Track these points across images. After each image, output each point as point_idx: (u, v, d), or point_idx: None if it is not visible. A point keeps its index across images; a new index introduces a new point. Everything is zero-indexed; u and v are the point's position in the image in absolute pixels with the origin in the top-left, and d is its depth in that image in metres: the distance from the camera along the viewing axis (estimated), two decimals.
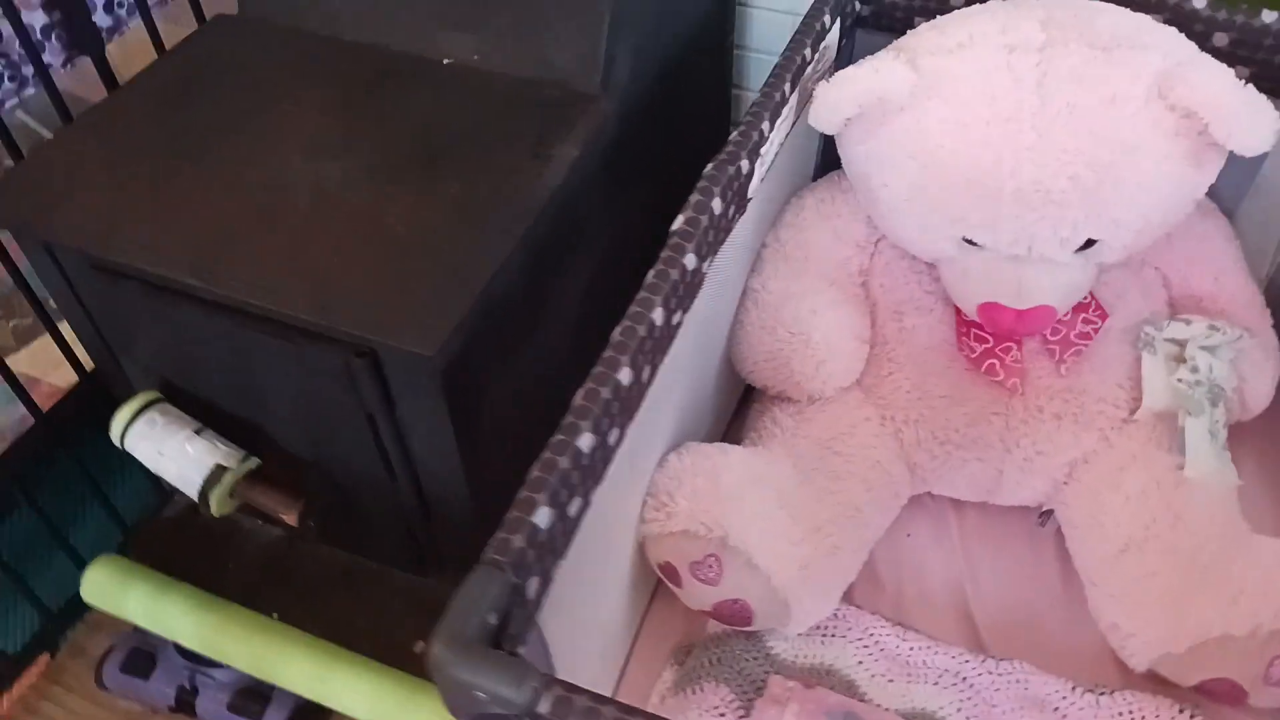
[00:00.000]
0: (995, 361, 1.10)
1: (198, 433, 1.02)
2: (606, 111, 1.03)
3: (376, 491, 1.04)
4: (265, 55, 1.13)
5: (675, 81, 1.22)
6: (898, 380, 1.12)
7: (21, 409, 1.37)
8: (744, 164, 0.93)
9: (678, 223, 0.86)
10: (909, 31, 1.10)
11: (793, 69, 1.04)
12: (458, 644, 0.57)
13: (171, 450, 1.00)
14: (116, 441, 1.02)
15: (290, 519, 0.99)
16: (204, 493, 0.99)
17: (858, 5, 1.23)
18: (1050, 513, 1.12)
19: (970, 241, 1.05)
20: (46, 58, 1.13)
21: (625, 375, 0.73)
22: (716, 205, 0.88)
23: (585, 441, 0.68)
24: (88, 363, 1.18)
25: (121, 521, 1.34)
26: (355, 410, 0.95)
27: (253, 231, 0.92)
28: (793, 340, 1.10)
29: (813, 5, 1.14)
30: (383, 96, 1.06)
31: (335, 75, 1.09)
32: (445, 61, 1.10)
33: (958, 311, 1.13)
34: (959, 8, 1.11)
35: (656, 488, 0.93)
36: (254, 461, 1.02)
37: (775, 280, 1.15)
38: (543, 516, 0.65)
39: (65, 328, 1.14)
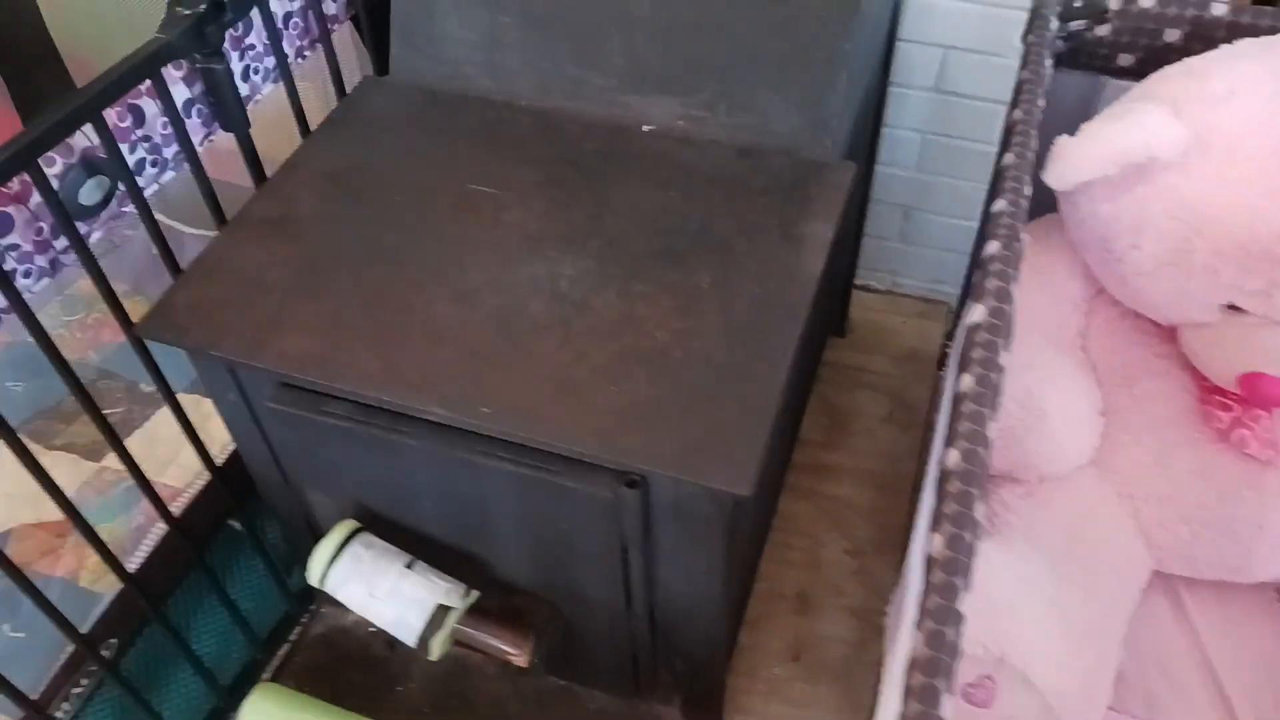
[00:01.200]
0: (1246, 432, 1.03)
1: (409, 567, 0.90)
2: (842, 183, 0.93)
3: (606, 620, 0.94)
4: (436, 126, 1.01)
5: (860, 132, 1.12)
6: (1136, 455, 1.04)
7: (138, 515, 1.24)
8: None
9: (980, 314, 0.77)
10: (1152, 77, 1.01)
11: (1035, 123, 0.95)
12: None
13: (385, 591, 0.88)
14: (315, 582, 0.90)
15: (520, 660, 0.88)
16: (425, 638, 0.87)
17: (1059, 44, 1.14)
18: None
19: (1234, 307, 0.97)
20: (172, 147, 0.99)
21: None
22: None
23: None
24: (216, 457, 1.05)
25: (251, 632, 1.22)
26: (609, 540, 0.84)
27: (494, 350, 0.80)
28: (1025, 416, 1.01)
29: (1030, 48, 1.05)
30: (590, 174, 0.95)
31: (528, 150, 0.98)
32: (645, 129, 0.99)
33: (1199, 377, 1.05)
34: (1178, 45, 1.03)
35: None
36: (474, 596, 0.91)
37: None
38: None
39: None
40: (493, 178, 0.95)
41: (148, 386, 1.30)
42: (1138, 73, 1.15)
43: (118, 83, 0.86)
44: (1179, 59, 1.09)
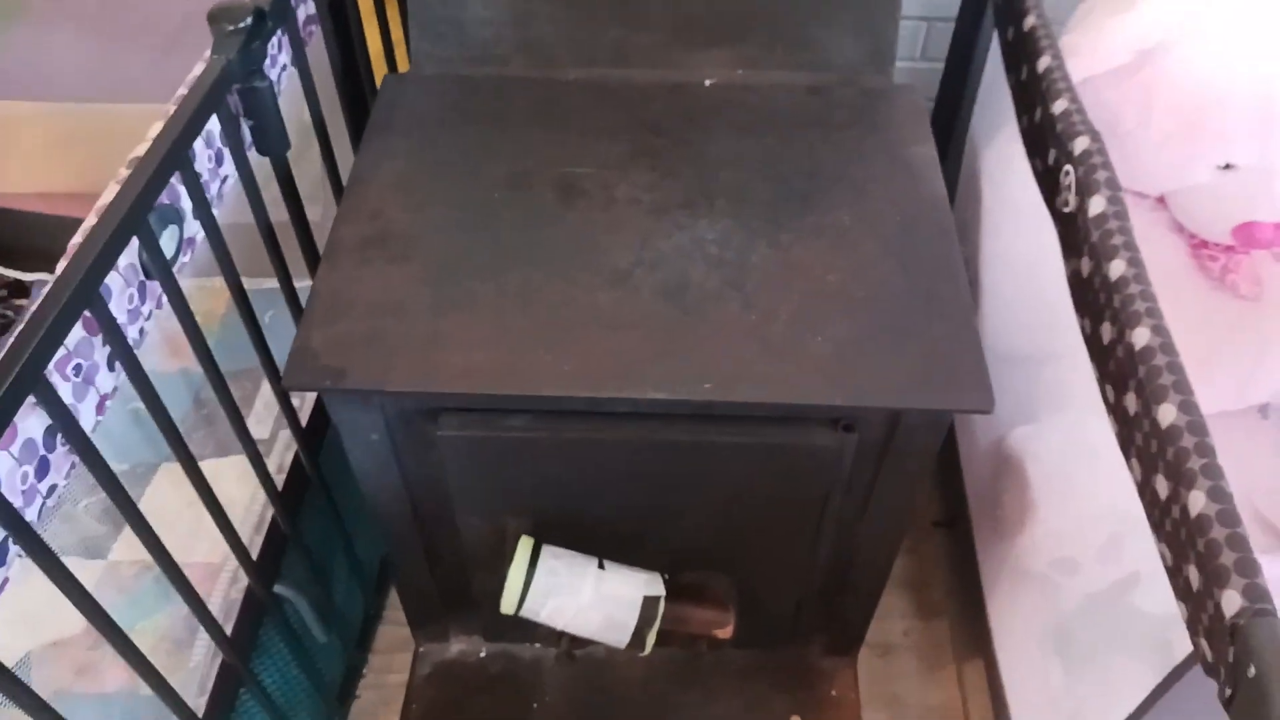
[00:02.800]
0: (1234, 276, 1.17)
1: (601, 567, 0.87)
2: (917, 104, 0.97)
3: (780, 575, 0.95)
4: (488, 113, 0.95)
5: None
6: None
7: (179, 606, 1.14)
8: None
9: (1100, 204, 0.84)
10: None
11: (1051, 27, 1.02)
12: None
13: (590, 598, 0.85)
14: (511, 610, 0.85)
15: (726, 632, 0.88)
16: (639, 633, 0.85)
17: None
18: (1268, 406, 1.21)
19: (1228, 166, 1.09)
20: (224, 170, 0.88)
21: None
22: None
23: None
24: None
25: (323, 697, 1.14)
26: (814, 491, 0.85)
27: (679, 325, 0.79)
28: None
29: None
30: (675, 136, 0.94)
31: (597, 122, 0.95)
32: (707, 83, 0.99)
33: (1185, 236, 1.18)
34: None
35: None
36: (660, 583, 0.89)
37: (1019, 241, 1.15)
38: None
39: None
40: (580, 157, 0.92)
41: (119, 465, 1.17)
42: None
43: (194, 118, 0.76)
44: None
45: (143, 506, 1.16)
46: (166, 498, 1.20)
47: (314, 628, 1.19)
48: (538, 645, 1.10)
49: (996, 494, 1.13)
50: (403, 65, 1.19)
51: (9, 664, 1.07)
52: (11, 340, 0.65)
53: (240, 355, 0.95)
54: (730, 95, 0.97)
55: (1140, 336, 0.77)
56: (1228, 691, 0.61)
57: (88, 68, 1.53)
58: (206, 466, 1.00)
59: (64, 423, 0.67)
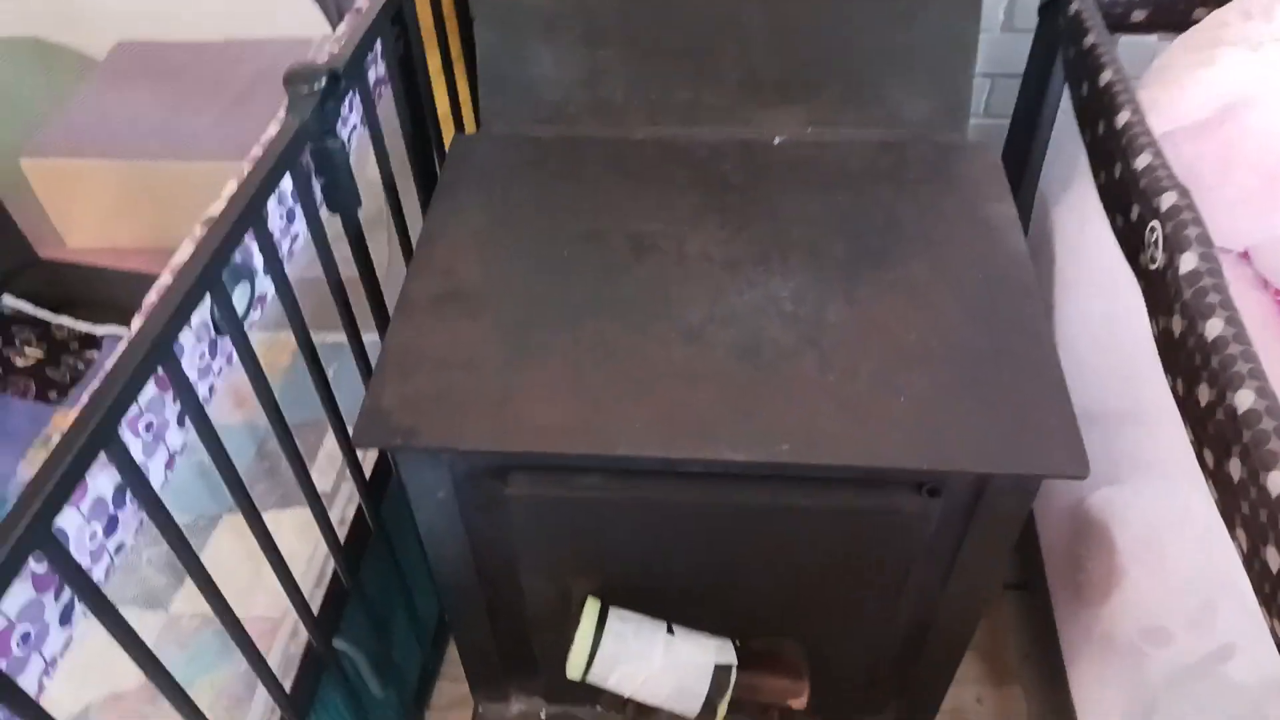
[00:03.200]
0: None
1: (670, 632, 0.84)
2: (993, 161, 0.95)
3: (858, 640, 0.91)
4: (557, 171, 0.95)
5: None
6: None
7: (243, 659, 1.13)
8: None
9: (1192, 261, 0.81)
10: (1206, 22, 1.09)
11: (1129, 80, 1.00)
12: None
13: (659, 665, 0.82)
14: (577, 676, 0.83)
15: (800, 702, 0.85)
16: (710, 702, 0.82)
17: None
18: None
19: None
20: (295, 227, 0.89)
21: None
22: None
23: None
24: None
25: None
26: (898, 556, 0.82)
27: (754, 382, 0.77)
28: None
29: (1081, 13, 1.10)
30: (745, 192, 0.92)
31: (668, 179, 0.94)
32: (776, 141, 0.98)
33: (1271, 290, 1.15)
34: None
35: None
36: (731, 650, 0.86)
37: (1096, 300, 1.12)
38: None
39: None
40: (651, 213, 0.91)
41: (183, 517, 1.17)
42: (1150, 27, 1.24)
43: (269, 177, 0.77)
44: (1190, 9, 1.17)
45: (204, 559, 1.16)
46: (227, 550, 1.20)
47: (371, 683, 1.17)
48: (599, 708, 1.06)
49: (1078, 558, 1.08)
50: (469, 126, 1.20)
51: (68, 716, 1.07)
52: (86, 397, 0.65)
53: (303, 408, 0.95)
54: (801, 152, 0.96)
55: (1244, 399, 0.73)
56: None
57: (156, 126, 1.57)
58: (268, 518, 1.00)
59: (134, 480, 0.66)
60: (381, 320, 0.98)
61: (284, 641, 1.11)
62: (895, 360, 0.78)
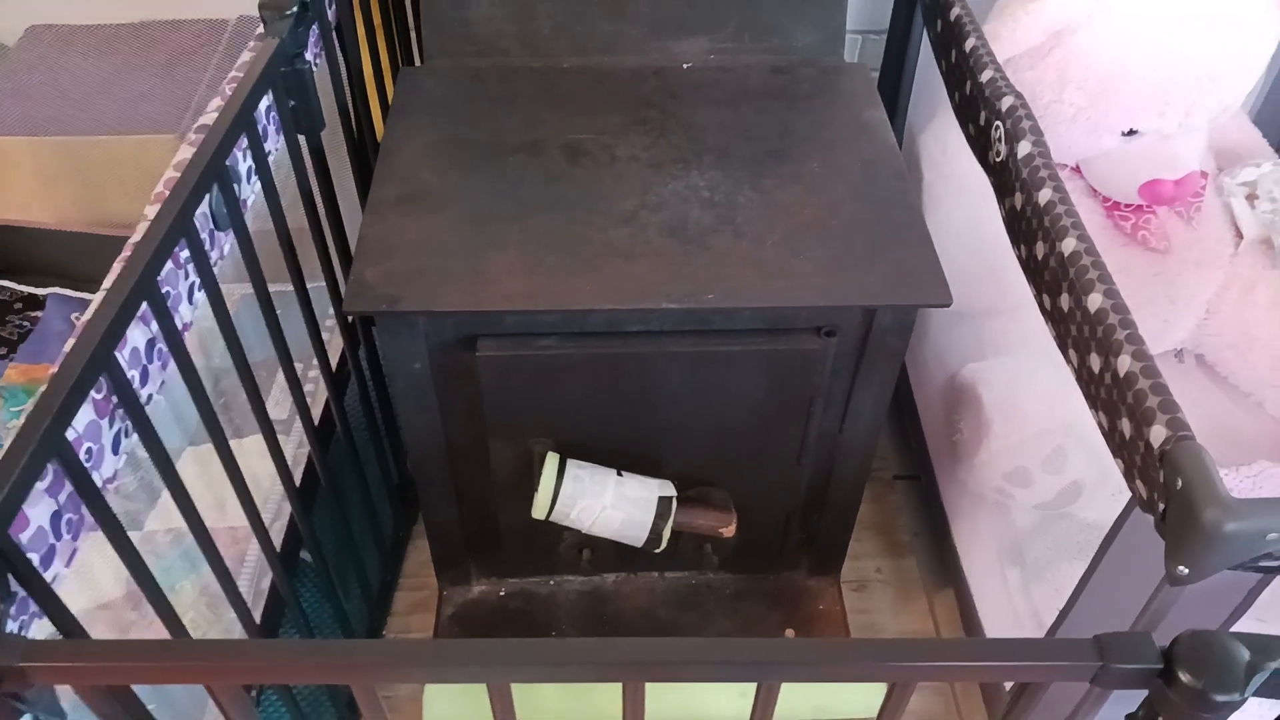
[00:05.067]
0: (1145, 233, 1.34)
1: (620, 475, 0.99)
2: (867, 78, 1.13)
3: (771, 488, 1.07)
4: (497, 96, 1.09)
5: None
6: None
7: None
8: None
9: (1025, 148, 1.00)
10: None
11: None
12: (1227, 503, 0.65)
13: (612, 499, 0.96)
14: (542, 515, 0.96)
15: (729, 531, 1.00)
16: (656, 530, 0.97)
17: None
18: (1182, 351, 1.38)
19: (1132, 132, 1.27)
20: (268, 145, 1.00)
21: None
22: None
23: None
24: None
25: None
26: (800, 395, 0.98)
27: (683, 253, 0.92)
28: None
29: None
30: (663, 108, 1.08)
31: (595, 99, 1.09)
32: (685, 66, 1.14)
33: (1099, 199, 1.36)
34: None
35: None
36: (672, 487, 1.01)
37: (958, 211, 1.31)
38: None
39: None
40: (581, 127, 1.05)
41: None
42: None
43: (257, 88, 0.88)
44: None
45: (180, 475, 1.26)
46: (192, 477, 1.29)
47: (338, 590, 1.27)
48: (553, 581, 1.20)
49: (952, 423, 1.27)
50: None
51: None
52: (122, 266, 0.75)
53: (256, 348, 1.05)
54: (707, 75, 1.12)
55: (1068, 245, 0.92)
56: (1161, 508, 0.74)
57: (77, 104, 1.63)
58: (237, 445, 1.10)
59: (168, 334, 0.77)
60: (338, 233, 1.10)
61: (255, 552, 1.22)
62: (796, 231, 0.94)
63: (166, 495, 1.28)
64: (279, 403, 1.37)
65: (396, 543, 1.44)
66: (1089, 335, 0.87)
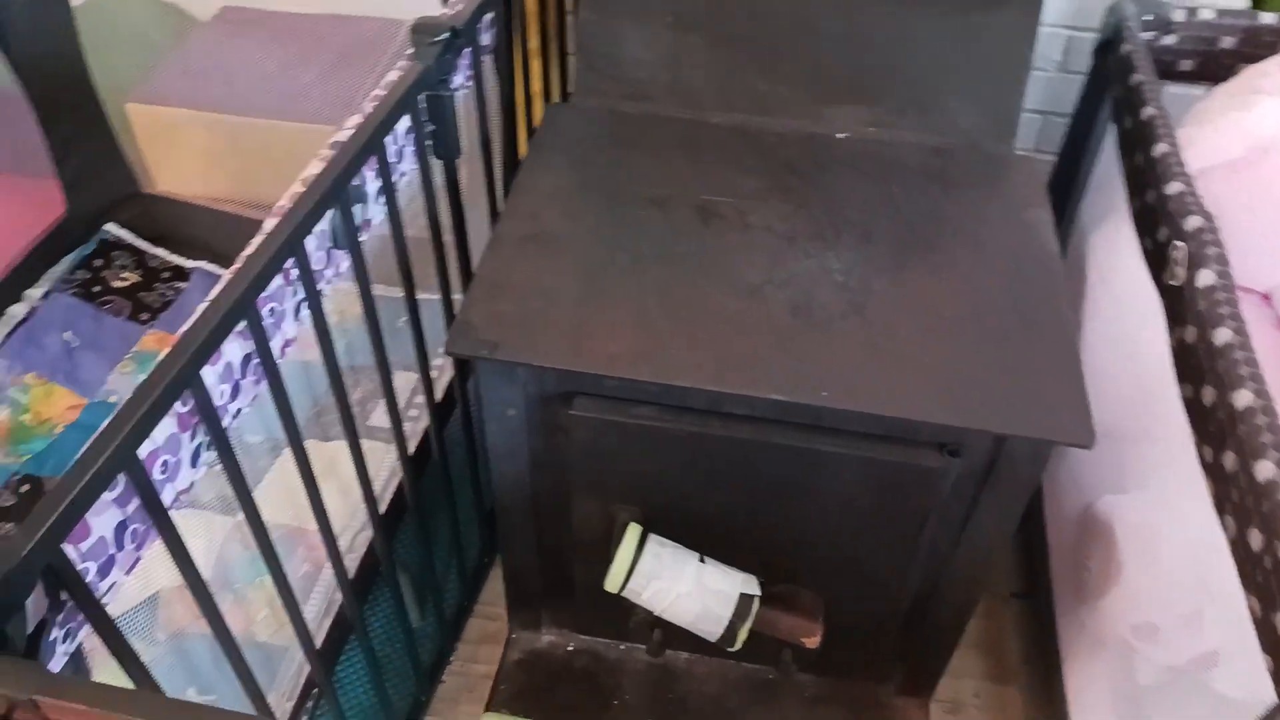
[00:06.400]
0: None
1: (702, 561, 0.93)
2: (1039, 173, 1.04)
3: (869, 596, 0.99)
4: (637, 143, 1.05)
5: None
6: None
7: (302, 564, 1.23)
8: None
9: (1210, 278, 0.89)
10: (1248, 72, 1.17)
11: (1168, 119, 1.09)
12: None
13: (688, 587, 0.90)
14: (615, 588, 0.92)
15: (813, 642, 0.93)
16: (732, 628, 0.91)
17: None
18: None
19: None
20: (403, 166, 0.99)
21: None
22: None
23: None
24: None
25: (418, 671, 1.20)
26: (914, 511, 0.90)
27: (802, 338, 0.86)
28: None
29: (1131, 56, 1.19)
30: (807, 177, 1.02)
31: (737, 160, 1.04)
32: (840, 136, 1.07)
33: None
34: (1233, 51, 1.21)
35: None
36: (756, 584, 0.94)
37: (1121, 322, 1.20)
38: None
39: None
40: (719, 186, 1.00)
41: (253, 437, 1.27)
42: (1196, 77, 1.33)
43: (394, 111, 0.87)
44: (1234, 63, 1.27)
45: (274, 473, 1.27)
46: (293, 473, 1.30)
47: (412, 610, 1.26)
48: (624, 646, 1.15)
49: (1080, 559, 1.16)
50: (555, 101, 1.31)
51: (142, 598, 1.17)
52: (231, 274, 0.75)
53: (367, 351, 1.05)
54: (861, 148, 1.05)
55: (1242, 398, 0.81)
56: None
57: (251, 85, 1.68)
58: (335, 446, 1.09)
59: (261, 349, 0.76)
60: (464, 261, 1.08)
61: (342, 552, 1.21)
62: (931, 333, 0.87)
63: (261, 486, 1.29)
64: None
65: (479, 568, 1.42)
66: (1253, 507, 0.77)
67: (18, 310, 1.52)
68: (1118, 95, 1.22)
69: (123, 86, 1.68)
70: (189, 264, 1.65)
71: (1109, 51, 1.28)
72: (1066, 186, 1.44)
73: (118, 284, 1.60)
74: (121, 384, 1.46)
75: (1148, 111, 1.12)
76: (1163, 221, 1.01)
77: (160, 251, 1.66)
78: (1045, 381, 0.83)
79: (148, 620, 1.18)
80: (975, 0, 1.02)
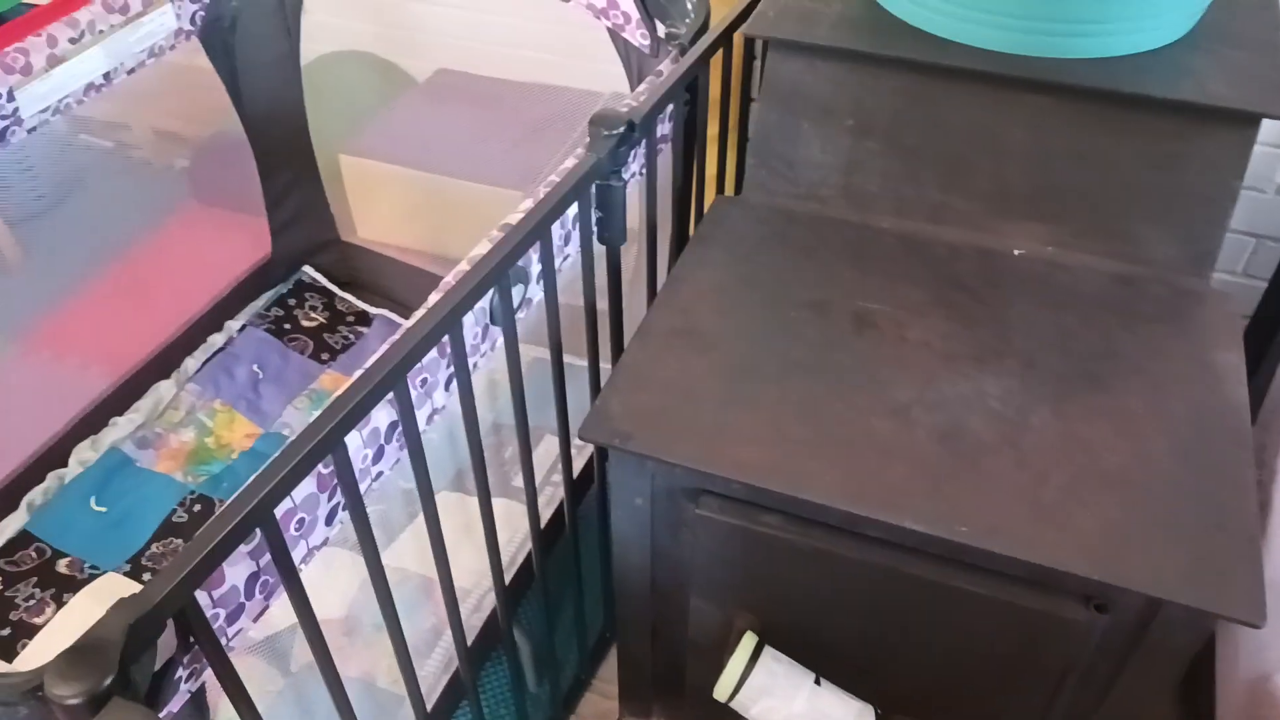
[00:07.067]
0: None
1: (817, 683, 0.90)
2: (1233, 312, 0.96)
3: None
4: (802, 244, 1.04)
5: None
6: None
7: (429, 616, 1.25)
8: None
9: None
10: None
11: None
12: None
13: (801, 708, 0.87)
14: (723, 697, 0.89)
15: None
16: None
17: None
18: None
19: None
20: (568, 249, 1.03)
21: None
22: None
23: None
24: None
25: None
26: (1053, 667, 0.84)
27: (948, 467, 0.82)
28: None
29: None
30: (976, 294, 0.98)
31: (903, 269, 1.01)
32: (1016, 253, 1.03)
33: None
34: None
35: None
36: (873, 715, 0.90)
37: None
38: None
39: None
40: (880, 295, 0.98)
41: (405, 483, 1.31)
42: None
43: (561, 201, 0.90)
44: None
45: (418, 524, 1.31)
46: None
47: (530, 675, 1.27)
48: None
49: None
50: (729, 191, 1.32)
51: (279, 628, 1.22)
52: (386, 348, 0.79)
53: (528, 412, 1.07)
54: (1037, 269, 1.00)
55: None
56: None
57: (455, 146, 1.78)
58: (471, 503, 1.12)
59: (406, 422, 0.79)
60: (617, 344, 1.10)
61: (467, 613, 1.24)
62: (1089, 476, 0.81)
63: (404, 534, 1.34)
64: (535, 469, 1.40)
65: (601, 644, 1.42)
66: None
67: (216, 340, 1.65)
68: None
69: (339, 138, 1.82)
70: (373, 310, 1.75)
71: None
72: (1275, 319, 1.33)
73: (306, 323, 1.72)
74: (295, 418, 1.56)
75: None
76: None
77: (349, 296, 1.78)
78: (1215, 546, 0.76)
79: (285, 649, 1.23)
80: (1178, 126, 0.96)
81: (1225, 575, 0.74)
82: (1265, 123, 1.03)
